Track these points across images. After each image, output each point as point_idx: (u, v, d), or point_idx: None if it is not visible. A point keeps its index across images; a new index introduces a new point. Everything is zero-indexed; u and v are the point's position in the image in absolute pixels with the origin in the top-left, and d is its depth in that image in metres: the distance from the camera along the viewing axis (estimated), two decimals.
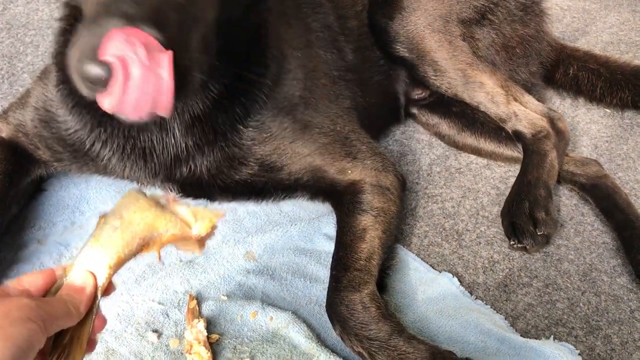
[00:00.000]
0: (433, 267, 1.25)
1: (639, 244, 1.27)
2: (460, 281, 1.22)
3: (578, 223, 1.38)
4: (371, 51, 1.50)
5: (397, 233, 1.25)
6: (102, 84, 0.74)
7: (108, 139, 1.11)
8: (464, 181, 1.48)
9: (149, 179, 1.18)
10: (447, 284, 1.21)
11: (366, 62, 1.48)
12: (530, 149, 1.44)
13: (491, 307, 1.18)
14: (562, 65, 1.72)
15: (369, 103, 1.45)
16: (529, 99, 1.53)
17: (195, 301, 1.11)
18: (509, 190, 1.40)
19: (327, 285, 1.09)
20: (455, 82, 1.47)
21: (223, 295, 1.14)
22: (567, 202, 1.44)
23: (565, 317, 1.18)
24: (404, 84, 1.59)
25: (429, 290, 1.19)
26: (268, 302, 1.13)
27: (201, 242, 0.77)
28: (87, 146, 1.14)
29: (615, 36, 2.03)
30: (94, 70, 0.74)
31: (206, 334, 1.04)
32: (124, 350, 1.04)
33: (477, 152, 1.56)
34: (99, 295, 0.71)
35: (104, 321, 0.76)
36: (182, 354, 1.04)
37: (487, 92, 1.47)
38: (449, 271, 1.24)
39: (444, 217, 1.38)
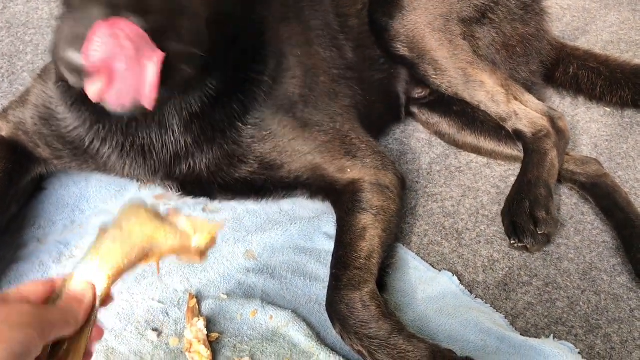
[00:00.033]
0: (433, 266, 1.25)
1: (639, 243, 1.27)
2: (460, 280, 1.22)
3: (578, 222, 1.38)
4: (372, 50, 1.49)
5: (397, 232, 1.25)
6: (86, 72, 0.74)
7: (107, 136, 1.11)
8: (464, 180, 1.48)
9: (149, 177, 1.18)
10: (447, 282, 1.21)
11: (366, 61, 1.48)
12: (531, 148, 1.44)
13: (491, 306, 1.18)
14: (562, 64, 1.71)
15: (369, 102, 1.45)
16: (529, 98, 1.53)
17: (195, 300, 1.11)
18: (509, 189, 1.40)
19: (327, 284, 1.09)
20: (455, 81, 1.47)
21: (223, 293, 1.14)
22: (567, 201, 1.44)
23: (565, 315, 1.18)
24: (405, 83, 1.58)
25: (429, 289, 1.19)
26: (268, 300, 1.13)
27: (201, 253, 0.77)
28: (87, 143, 1.14)
29: (616, 35, 2.03)
30: (77, 58, 0.74)
31: (206, 332, 1.04)
32: (124, 349, 1.04)
33: (477, 151, 1.56)
34: (98, 306, 0.71)
35: (101, 332, 0.77)
36: (182, 352, 1.04)
37: (487, 91, 1.47)
38: (449, 270, 1.24)
39: (444, 216, 1.38)
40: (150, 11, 0.78)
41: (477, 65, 1.48)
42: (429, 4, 1.47)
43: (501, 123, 1.50)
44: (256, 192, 1.26)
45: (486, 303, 1.19)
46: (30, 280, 1.15)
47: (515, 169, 1.49)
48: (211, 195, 1.28)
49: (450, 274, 1.23)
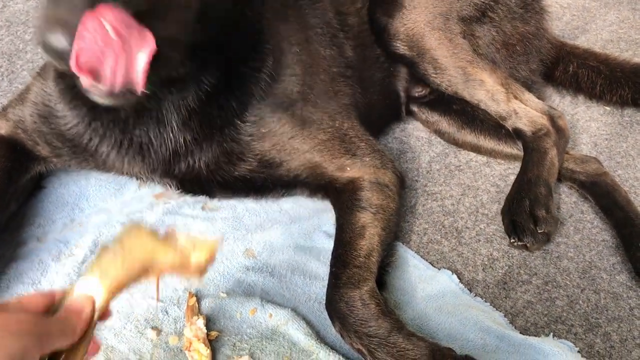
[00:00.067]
0: (432, 265, 1.25)
1: (638, 242, 1.26)
2: (459, 278, 1.22)
3: (578, 221, 1.38)
4: (372, 49, 1.49)
5: (396, 230, 1.25)
6: (69, 54, 0.74)
7: (105, 132, 1.11)
8: (464, 179, 1.48)
9: (148, 175, 1.18)
10: (446, 281, 1.21)
11: (366, 60, 1.48)
12: (531, 146, 1.44)
13: (490, 305, 1.18)
14: (561, 62, 1.71)
15: (369, 100, 1.45)
16: (529, 96, 1.53)
17: (194, 298, 1.11)
18: (509, 187, 1.40)
19: (326, 282, 1.09)
20: (455, 80, 1.47)
21: (222, 292, 1.14)
22: (567, 199, 1.44)
23: (564, 314, 1.18)
24: (405, 82, 1.58)
25: (429, 287, 1.19)
26: (267, 299, 1.13)
27: (201, 270, 0.78)
28: (85, 141, 1.14)
29: (615, 34, 2.03)
30: (60, 41, 0.73)
31: (205, 331, 1.04)
32: (123, 347, 1.04)
33: (477, 149, 1.56)
34: (96, 320, 0.72)
35: (97, 347, 0.78)
36: (181, 351, 1.04)
37: (487, 90, 1.47)
38: (449, 268, 1.24)
39: (444, 215, 1.38)
40: None
41: (477, 64, 1.47)
42: (428, 3, 1.46)
43: (501, 122, 1.50)
44: (255, 191, 1.26)
45: (486, 301, 1.19)
46: (29, 277, 1.16)
47: (514, 167, 1.49)
48: (210, 194, 1.28)
49: (450, 272, 1.23)
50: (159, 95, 1.05)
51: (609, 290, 1.23)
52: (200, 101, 1.08)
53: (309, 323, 1.09)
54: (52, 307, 0.70)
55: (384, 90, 1.54)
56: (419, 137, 1.61)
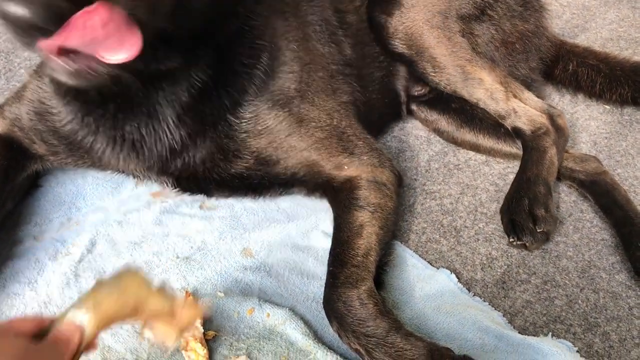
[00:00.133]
0: (431, 264, 1.25)
1: (637, 241, 1.26)
2: (458, 278, 1.22)
3: (577, 220, 1.37)
4: (371, 47, 1.49)
5: (394, 229, 1.25)
6: (31, 27, 0.73)
7: (98, 128, 1.11)
8: (463, 178, 1.48)
9: (144, 172, 1.17)
10: (445, 280, 1.20)
11: (366, 58, 1.47)
12: (530, 145, 1.43)
13: (489, 304, 1.18)
14: (561, 61, 1.71)
15: (368, 99, 1.45)
16: (528, 95, 1.53)
17: (191, 298, 1.11)
18: (508, 186, 1.40)
19: (324, 282, 1.08)
20: (454, 78, 1.47)
21: (220, 291, 1.13)
22: (566, 198, 1.43)
23: (563, 314, 1.18)
24: (404, 80, 1.58)
25: (427, 287, 1.18)
26: (265, 298, 1.12)
27: (182, 328, 0.81)
28: (80, 137, 1.13)
29: (615, 33, 2.03)
30: (15, 9, 0.72)
31: (202, 330, 1.04)
32: (120, 347, 1.04)
33: (476, 148, 1.55)
34: (82, 350, 0.73)
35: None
36: (178, 350, 1.03)
37: (486, 88, 1.46)
38: (447, 268, 1.24)
39: (442, 214, 1.37)
40: None
41: (476, 63, 1.47)
42: (427, 1, 1.46)
43: (500, 121, 1.49)
44: (253, 189, 1.25)
45: (484, 301, 1.18)
46: (25, 276, 1.16)
47: (514, 166, 1.49)
48: (208, 192, 1.27)
49: (449, 271, 1.22)
50: (149, 90, 1.05)
51: (608, 289, 1.22)
52: (192, 97, 1.08)
53: (306, 323, 1.09)
54: (40, 332, 0.72)
55: (384, 88, 1.54)
56: (418, 136, 1.60)
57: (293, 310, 1.10)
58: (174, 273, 1.16)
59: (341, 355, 1.03)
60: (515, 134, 1.48)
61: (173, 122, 1.09)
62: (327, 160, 1.20)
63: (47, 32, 0.74)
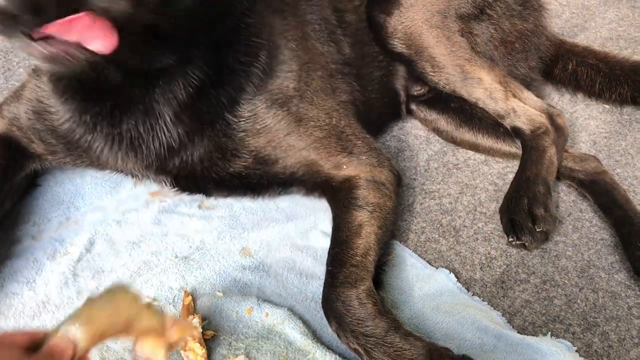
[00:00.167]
0: (430, 263, 1.25)
1: (637, 241, 1.26)
2: (457, 277, 1.22)
3: (576, 219, 1.37)
4: (370, 46, 1.49)
5: (393, 228, 1.25)
6: (6, 16, 0.74)
7: (95, 126, 1.10)
8: (462, 177, 1.47)
9: (142, 171, 1.17)
10: (444, 280, 1.20)
11: (365, 57, 1.47)
12: (529, 145, 1.43)
13: (488, 304, 1.18)
14: (561, 60, 1.71)
15: (368, 98, 1.44)
16: (527, 95, 1.52)
17: (190, 297, 1.11)
18: (507, 186, 1.40)
19: (323, 281, 1.08)
20: (453, 78, 1.46)
21: (218, 291, 1.13)
22: (566, 198, 1.43)
23: (562, 313, 1.17)
24: (404, 80, 1.58)
25: (426, 286, 1.18)
26: (264, 298, 1.12)
27: (171, 345, 0.81)
28: (78, 136, 1.13)
29: (614, 32, 2.03)
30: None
31: (201, 330, 1.04)
32: (118, 347, 1.04)
33: (475, 147, 1.55)
34: None
35: None
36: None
37: (485, 88, 1.46)
38: (446, 267, 1.24)
39: (441, 213, 1.37)
40: None
41: (475, 62, 1.47)
42: (426, 1, 1.46)
43: (499, 120, 1.49)
44: (252, 189, 1.25)
45: (483, 301, 1.18)
46: (24, 275, 1.15)
47: (513, 166, 1.48)
48: (206, 192, 1.27)
49: (448, 271, 1.22)
50: (145, 87, 1.05)
51: (607, 289, 1.22)
52: (189, 95, 1.08)
53: (305, 322, 1.08)
54: (33, 345, 0.72)
55: (383, 88, 1.54)
56: (417, 136, 1.60)
57: (292, 310, 1.10)
58: (173, 272, 1.16)
59: (340, 355, 1.03)
60: (515, 133, 1.48)
61: (170, 119, 1.09)
62: (326, 159, 1.19)
63: (24, 21, 0.75)
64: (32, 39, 0.78)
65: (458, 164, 1.51)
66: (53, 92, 1.13)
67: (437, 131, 1.60)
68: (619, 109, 1.69)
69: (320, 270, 1.15)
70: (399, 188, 1.29)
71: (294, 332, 1.05)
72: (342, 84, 1.34)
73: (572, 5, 2.16)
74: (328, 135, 1.20)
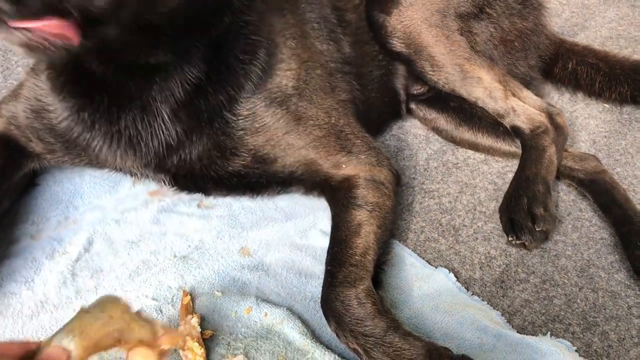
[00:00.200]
0: (429, 263, 1.24)
1: (637, 240, 1.26)
2: (456, 277, 1.21)
3: (576, 219, 1.37)
4: (370, 45, 1.48)
5: (392, 228, 1.24)
6: None
7: (93, 124, 1.10)
8: (461, 176, 1.47)
9: (141, 169, 1.17)
10: (443, 279, 1.20)
11: (365, 56, 1.47)
12: (529, 144, 1.43)
13: (488, 303, 1.17)
14: (560, 59, 1.71)
15: (368, 98, 1.44)
16: (527, 94, 1.52)
17: (189, 297, 1.11)
18: (507, 185, 1.40)
19: (322, 281, 1.08)
20: (452, 77, 1.46)
21: (217, 291, 1.13)
22: (565, 197, 1.43)
23: (562, 313, 1.17)
24: (403, 79, 1.57)
25: (425, 286, 1.18)
26: (262, 298, 1.12)
27: (163, 353, 0.82)
28: (76, 134, 1.13)
29: (614, 31, 2.02)
30: None
31: (200, 330, 1.03)
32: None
33: (475, 147, 1.55)
34: None
35: None
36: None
37: (485, 87, 1.46)
38: (446, 267, 1.24)
39: (441, 213, 1.37)
40: None
41: (475, 61, 1.47)
42: (425, 0, 1.45)
43: (499, 119, 1.49)
44: (251, 188, 1.25)
45: (483, 300, 1.18)
46: (22, 275, 1.15)
47: (513, 165, 1.48)
48: (205, 191, 1.27)
49: (447, 270, 1.22)
50: (141, 83, 1.05)
51: (607, 288, 1.22)
52: (186, 92, 1.07)
53: (304, 322, 1.08)
54: (27, 355, 0.72)
55: (383, 87, 1.53)
56: (417, 135, 1.60)
57: (291, 310, 1.10)
58: (172, 272, 1.16)
59: (339, 354, 1.02)
60: (514, 132, 1.47)
61: (168, 117, 1.08)
62: (325, 158, 1.19)
63: (4, 12, 0.76)
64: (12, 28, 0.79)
65: (457, 163, 1.51)
66: (51, 90, 1.13)
67: (437, 130, 1.59)
68: (619, 108, 1.69)
69: (320, 269, 1.15)
70: (398, 187, 1.29)
71: (293, 332, 1.05)
72: (342, 82, 1.34)
73: (572, 4, 2.16)
74: (327, 134, 1.20)
